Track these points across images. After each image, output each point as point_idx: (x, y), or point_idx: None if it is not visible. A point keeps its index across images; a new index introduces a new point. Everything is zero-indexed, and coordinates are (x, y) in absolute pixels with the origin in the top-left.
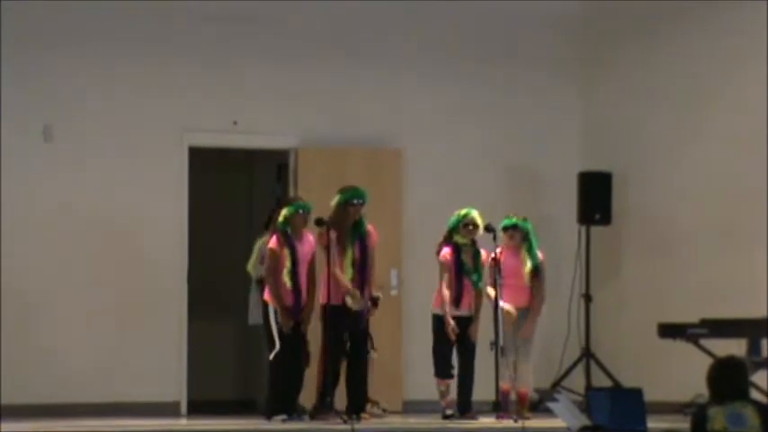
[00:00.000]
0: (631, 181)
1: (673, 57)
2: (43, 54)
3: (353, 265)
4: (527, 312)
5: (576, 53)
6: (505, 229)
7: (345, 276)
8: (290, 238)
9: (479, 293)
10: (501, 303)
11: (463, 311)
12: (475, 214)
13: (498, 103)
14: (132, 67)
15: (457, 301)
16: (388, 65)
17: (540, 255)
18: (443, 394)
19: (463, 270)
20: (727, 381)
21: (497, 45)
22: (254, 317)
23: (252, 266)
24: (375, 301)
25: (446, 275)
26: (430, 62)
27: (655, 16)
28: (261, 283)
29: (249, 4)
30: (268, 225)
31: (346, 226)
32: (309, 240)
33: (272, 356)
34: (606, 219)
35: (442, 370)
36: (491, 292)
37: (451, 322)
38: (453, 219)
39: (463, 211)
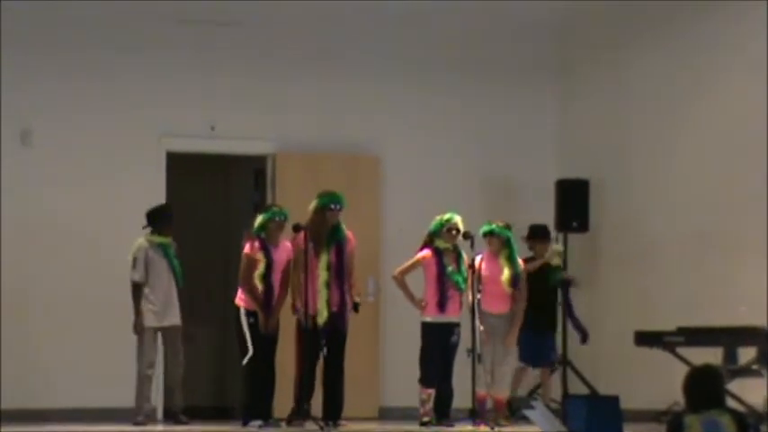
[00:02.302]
0: (609, 188)
1: (650, 65)
2: (21, 59)
3: (329, 269)
4: (506, 318)
5: (553, 61)
6: (484, 235)
7: (320, 280)
8: (265, 244)
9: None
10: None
11: (448, 317)
12: (457, 219)
13: (476, 112)
14: (110, 73)
15: (441, 306)
16: (367, 72)
17: (521, 262)
18: (424, 402)
19: (446, 274)
20: (703, 389)
21: (475, 54)
22: (149, 320)
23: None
24: (356, 307)
25: (420, 268)
26: (408, 70)
27: (631, 25)
28: (136, 288)
29: (228, 9)
30: (154, 224)
31: (323, 231)
32: (286, 247)
33: (245, 361)
34: (584, 226)
35: (427, 379)
36: (470, 298)
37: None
38: (435, 223)
39: (446, 216)
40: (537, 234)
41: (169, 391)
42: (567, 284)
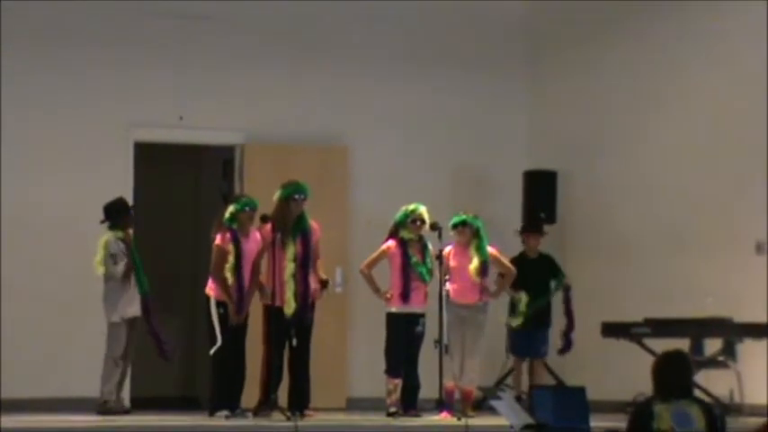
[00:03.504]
0: (576, 180)
1: (619, 58)
2: None
3: (295, 259)
4: (475, 309)
5: (523, 54)
6: (455, 226)
7: (287, 271)
8: (235, 235)
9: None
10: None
11: (413, 308)
12: (422, 210)
13: (445, 103)
14: (78, 63)
15: (405, 296)
16: (336, 63)
17: (492, 250)
18: (390, 393)
19: (410, 264)
20: (672, 374)
21: (445, 47)
22: (110, 314)
23: (99, 263)
24: (324, 283)
25: (386, 261)
26: (377, 62)
27: (600, 19)
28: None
29: (198, 1)
30: (112, 219)
31: (288, 221)
32: (256, 238)
33: (212, 351)
34: (551, 218)
35: (393, 369)
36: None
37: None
38: (400, 214)
39: (411, 207)
40: (529, 227)
41: (121, 381)
42: (567, 290)
